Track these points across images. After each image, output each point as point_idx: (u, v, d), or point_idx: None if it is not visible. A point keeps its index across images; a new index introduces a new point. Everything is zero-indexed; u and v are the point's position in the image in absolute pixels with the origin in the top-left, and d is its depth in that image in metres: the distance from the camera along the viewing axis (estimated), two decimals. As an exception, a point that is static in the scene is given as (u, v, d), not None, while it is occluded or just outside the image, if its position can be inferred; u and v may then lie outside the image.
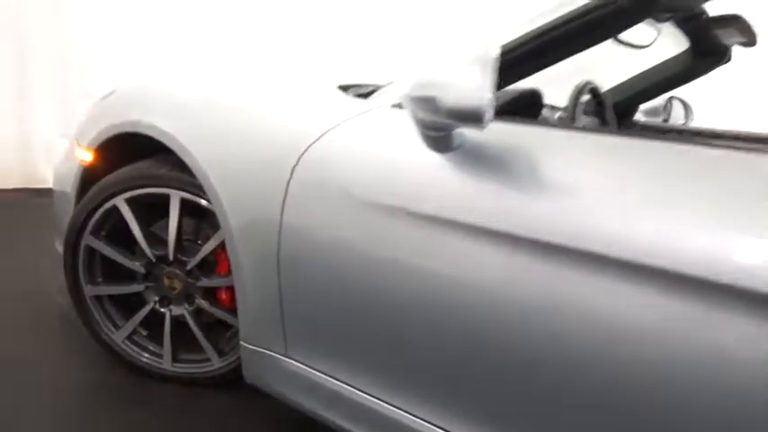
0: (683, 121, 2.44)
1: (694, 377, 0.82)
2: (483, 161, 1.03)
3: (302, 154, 1.23)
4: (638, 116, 2.41)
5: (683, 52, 2.04)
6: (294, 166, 1.23)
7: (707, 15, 1.65)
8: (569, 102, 1.43)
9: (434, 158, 1.07)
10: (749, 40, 1.84)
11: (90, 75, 3.51)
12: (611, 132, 1.24)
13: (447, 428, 1.09)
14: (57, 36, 3.42)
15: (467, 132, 1.05)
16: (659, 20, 1.50)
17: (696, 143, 1.04)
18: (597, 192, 0.93)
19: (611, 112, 1.83)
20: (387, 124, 1.18)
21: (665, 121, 2.37)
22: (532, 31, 1.09)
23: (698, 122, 2.44)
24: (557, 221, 0.93)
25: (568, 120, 1.43)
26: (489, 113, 0.90)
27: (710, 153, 0.97)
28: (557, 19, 1.08)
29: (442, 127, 1.00)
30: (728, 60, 2.00)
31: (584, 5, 1.05)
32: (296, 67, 3.44)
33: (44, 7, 3.36)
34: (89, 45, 3.52)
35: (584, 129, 1.30)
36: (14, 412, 1.49)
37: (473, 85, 0.87)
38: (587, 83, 1.59)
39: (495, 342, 0.99)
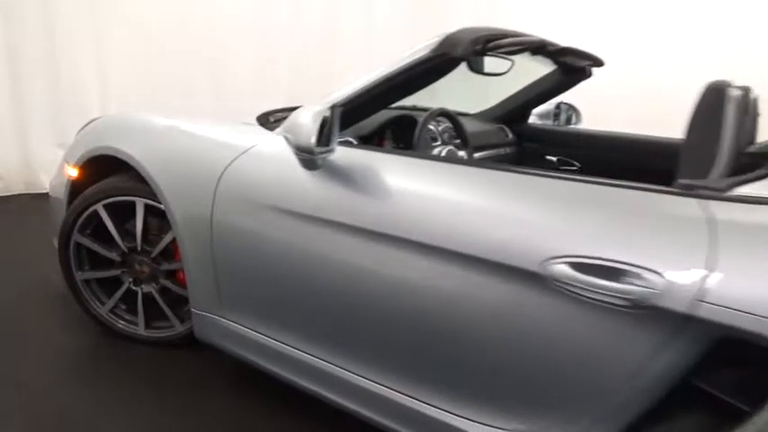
0: (573, 123, 2.91)
1: (473, 319, 1.29)
2: (337, 177, 1.51)
3: (225, 169, 1.71)
4: (533, 119, 2.89)
5: (554, 71, 2.51)
6: (219, 178, 1.71)
7: (553, 47, 2.11)
8: (417, 128, 1.90)
9: (305, 174, 1.54)
10: (595, 62, 2.31)
11: (81, 95, 4.02)
12: (424, 156, 1.65)
13: (330, 360, 1.57)
14: (53, 60, 3.91)
15: (331, 156, 1.53)
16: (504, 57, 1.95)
17: (486, 167, 1.49)
18: (415, 197, 1.40)
19: (463, 131, 2.25)
20: (277, 149, 1.65)
21: (556, 123, 2.84)
22: (373, 80, 1.57)
23: (585, 124, 2.91)
24: (385, 217, 1.40)
25: (417, 143, 1.89)
26: (317, 149, 1.38)
27: (491, 173, 1.42)
28: (393, 72, 1.56)
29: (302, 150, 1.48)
30: (590, 76, 2.47)
31: (405, 64, 1.53)
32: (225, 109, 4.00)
33: (38, 34, 3.84)
34: (82, 67, 4.02)
35: (408, 153, 1.74)
36: (25, 369, 1.98)
37: (306, 131, 1.35)
38: (438, 110, 2.06)
39: (353, 298, 1.48)
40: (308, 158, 1.52)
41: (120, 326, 2.14)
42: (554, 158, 2.67)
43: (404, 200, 1.40)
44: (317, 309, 1.57)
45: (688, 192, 1.13)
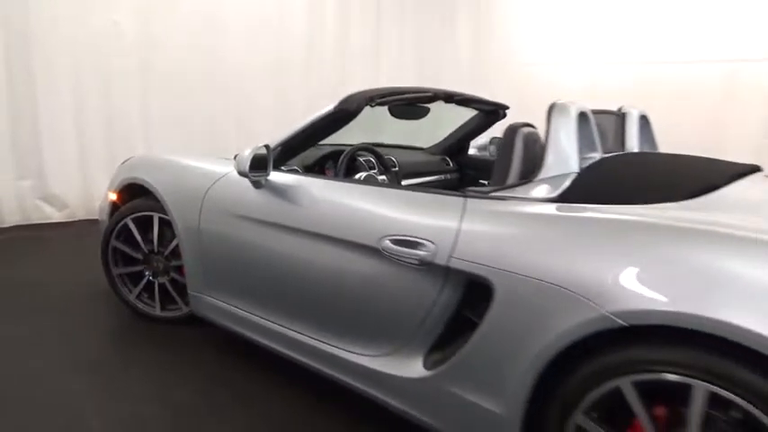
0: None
1: (346, 281, 1.97)
2: (274, 193, 2.24)
3: (208, 189, 2.48)
4: (473, 151, 3.55)
5: (478, 114, 3.18)
6: (204, 196, 2.48)
7: (459, 97, 2.79)
8: (340, 160, 2.60)
9: (255, 192, 2.28)
10: (498, 106, 2.97)
11: (130, 138, 4.98)
12: (331, 179, 2.34)
13: (275, 320, 2.26)
14: (108, 110, 4.89)
15: (269, 178, 2.26)
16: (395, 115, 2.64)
17: (358, 183, 2.19)
18: (321, 204, 2.10)
19: (383, 161, 2.90)
20: (239, 176, 2.40)
21: (489, 153, 3.49)
22: (299, 128, 2.30)
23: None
24: (304, 218, 2.10)
25: (338, 171, 2.60)
26: (250, 174, 2.11)
27: (360, 187, 2.12)
28: (311, 122, 2.29)
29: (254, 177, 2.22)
30: (503, 117, 3.13)
31: (324, 115, 2.26)
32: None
33: (97, 89, 4.83)
34: (131, 116, 4.99)
35: (322, 177, 2.42)
36: (82, 335, 2.77)
37: (243, 162, 2.10)
38: (359, 146, 2.76)
39: (286, 275, 2.18)
40: (255, 181, 2.26)
41: (143, 308, 2.92)
42: (486, 182, 3.31)
43: (315, 207, 2.12)
44: (266, 284, 2.28)
45: (459, 193, 1.80)
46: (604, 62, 5.16)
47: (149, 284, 2.89)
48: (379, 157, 2.80)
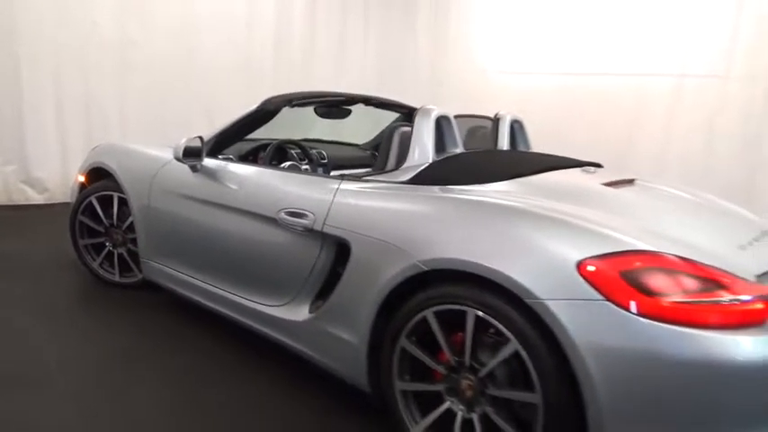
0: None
1: (259, 246, 2.47)
2: (207, 176, 2.73)
3: (156, 173, 2.97)
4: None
5: (401, 115, 3.68)
6: (153, 178, 2.97)
7: (380, 101, 3.28)
8: (267, 151, 3.09)
9: (192, 175, 2.77)
10: (409, 109, 3.46)
11: (108, 127, 5.44)
12: (255, 165, 2.82)
13: (208, 281, 2.75)
14: (86, 101, 5.36)
15: (201, 163, 2.75)
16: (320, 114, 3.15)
17: (265, 168, 2.70)
18: (244, 185, 2.60)
19: (308, 153, 3.36)
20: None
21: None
22: (228, 124, 2.80)
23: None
24: (230, 196, 2.59)
25: (266, 158, 3.09)
26: (184, 160, 2.62)
27: (267, 170, 2.62)
28: (239, 119, 2.79)
29: (188, 162, 2.72)
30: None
31: (249, 113, 2.76)
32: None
33: (77, 81, 5.29)
34: (108, 108, 5.46)
35: (246, 163, 2.89)
36: (51, 295, 3.25)
37: (177, 150, 2.59)
38: (285, 139, 3.25)
39: (216, 243, 2.67)
40: (191, 165, 2.75)
41: (104, 274, 3.40)
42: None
43: (235, 186, 2.61)
44: (198, 250, 2.78)
45: (338, 177, 2.30)
46: (559, 72, 5.62)
47: (110, 254, 3.38)
48: (304, 149, 3.29)
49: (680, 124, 4.59)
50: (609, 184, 2.22)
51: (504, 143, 2.85)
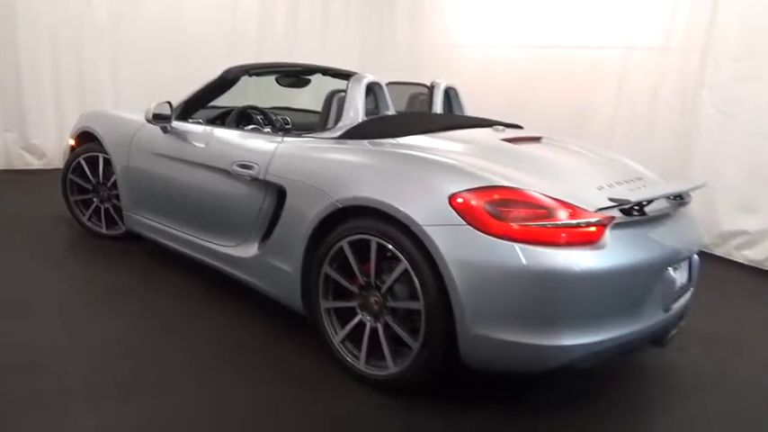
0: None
1: (216, 195, 2.88)
2: (176, 135, 3.13)
3: (134, 135, 3.37)
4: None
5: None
6: (131, 139, 3.37)
7: (335, 72, 3.65)
8: (231, 115, 3.47)
9: (163, 135, 3.17)
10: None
11: (101, 96, 5.83)
12: (219, 126, 3.23)
13: (178, 228, 3.16)
14: (82, 71, 5.74)
15: (171, 125, 3.15)
16: (281, 83, 3.52)
17: (228, 128, 3.10)
18: (203, 143, 2.99)
19: (269, 117, 3.67)
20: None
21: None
22: (194, 91, 3.19)
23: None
24: (196, 153, 2.99)
25: (230, 122, 3.47)
26: (153, 120, 3.03)
27: (231, 131, 3.02)
28: (203, 87, 3.18)
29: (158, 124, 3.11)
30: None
31: (211, 81, 3.15)
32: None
33: (71, 52, 5.67)
34: (102, 79, 5.84)
35: (211, 125, 3.28)
36: (46, 244, 3.68)
37: (147, 113, 2.99)
38: (247, 105, 3.61)
39: (185, 194, 3.08)
40: (162, 127, 3.15)
41: (93, 227, 3.83)
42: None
43: (198, 144, 3.01)
44: (169, 201, 3.19)
45: (281, 134, 2.69)
46: (519, 46, 5.93)
47: (97, 209, 3.80)
48: (267, 115, 3.67)
49: (627, 94, 4.90)
50: (510, 140, 2.60)
51: (437, 108, 3.23)
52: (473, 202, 1.96)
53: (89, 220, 3.84)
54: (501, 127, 2.86)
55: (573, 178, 2.26)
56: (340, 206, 2.24)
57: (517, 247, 1.89)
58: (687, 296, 2.43)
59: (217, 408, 2.08)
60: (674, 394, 2.49)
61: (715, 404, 2.41)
